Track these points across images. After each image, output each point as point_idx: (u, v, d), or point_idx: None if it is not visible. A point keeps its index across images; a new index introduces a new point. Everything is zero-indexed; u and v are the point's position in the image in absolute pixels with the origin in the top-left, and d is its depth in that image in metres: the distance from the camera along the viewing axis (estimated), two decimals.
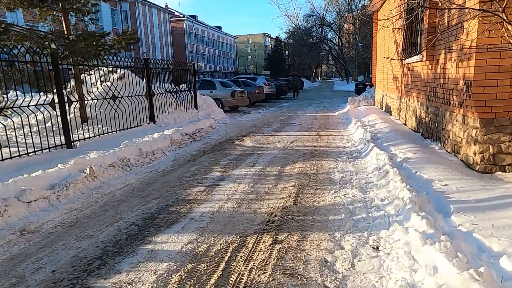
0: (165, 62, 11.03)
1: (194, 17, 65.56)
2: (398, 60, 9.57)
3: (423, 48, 6.64)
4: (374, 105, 15.15)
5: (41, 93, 8.27)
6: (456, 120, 5.14)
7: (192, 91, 12.67)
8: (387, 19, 6.74)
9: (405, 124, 8.72)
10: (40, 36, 6.95)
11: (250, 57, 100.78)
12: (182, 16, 59.81)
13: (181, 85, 12.61)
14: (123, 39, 8.50)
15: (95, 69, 9.27)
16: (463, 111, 4.87)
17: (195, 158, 6.67)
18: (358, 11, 41.29)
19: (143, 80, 11.23)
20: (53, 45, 6.29)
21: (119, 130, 8.57)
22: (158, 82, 11.61)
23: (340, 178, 4.91)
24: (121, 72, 10.41)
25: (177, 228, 3.44)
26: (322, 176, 5.09)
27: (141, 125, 9.40)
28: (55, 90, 6.71)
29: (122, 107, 8.98)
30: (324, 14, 53.21)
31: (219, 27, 79.22)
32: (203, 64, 67.59)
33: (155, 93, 10.23)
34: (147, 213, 3.92)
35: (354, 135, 8.53)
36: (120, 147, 6.54)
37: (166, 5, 57.89)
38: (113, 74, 10.20)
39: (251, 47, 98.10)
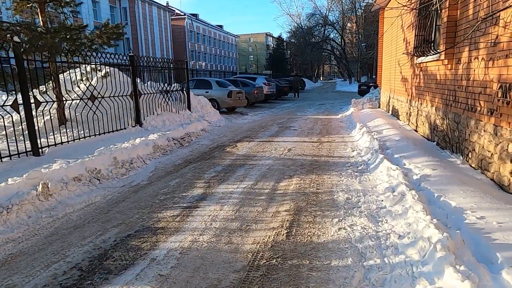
0: (155, 59, 10.19)
1: (195, 15, 64.73)
2: (408, 59, 8.71)
3: (441, 46, 5.77)
4: (379, 107, 14.28)
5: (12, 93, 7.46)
6: (485, 131, 4.28)
7: (185, 91, 11.85)
8: (400, 7, 5.87)
9: (415, 131, 7.86)
10: (2, 27, 6.11)
11: (252, 56, 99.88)
12: (182, 14, 58.99)
13: (174, 85, 11.81)
14: (104, 34, 7.66)
15: (76, 66, 8.46)
16: (495, 120, 4.00)
17: (178, 169, 5.82)
18: (362, 9, 40.42)
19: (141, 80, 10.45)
20: (16, 38, 5.47)
21: (99, 134, 7.74)
22: (150, 81, 10.79)
23: (345, 200, 4.06)
24: (106, 70, 9.59)
25: (130, 277, 2.59)
26: (323, 196, 4.24)
27: (125, 129, 8.57)
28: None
29: (106, 108, 8.16)
30: (327, 13, 52.38)
31: (221, 26, 78.39)
32: (203, 63, 66.76)
33: (142, 93, 9.39)
34: (100, 248, 3.08)
35: (359, 142, 7.68)
36: (93, 155, 5.71)
37: (167, 3, 57.15)
38: (96, 72, 9.37)
39: (252, 46, 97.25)
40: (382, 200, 3.88)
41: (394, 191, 3.95)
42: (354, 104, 14.82)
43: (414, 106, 8.05)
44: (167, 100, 10.53)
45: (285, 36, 73.52)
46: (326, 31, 53.39)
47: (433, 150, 5.76)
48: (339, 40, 51.77)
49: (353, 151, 6.84)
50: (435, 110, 6.38)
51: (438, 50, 6.02)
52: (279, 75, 51.04)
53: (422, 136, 7.19)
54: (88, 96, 7.55)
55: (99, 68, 9.15)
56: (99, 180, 5.15)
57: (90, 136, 7.55)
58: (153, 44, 50.44)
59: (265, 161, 6.18)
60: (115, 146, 6.48)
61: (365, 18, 39.09)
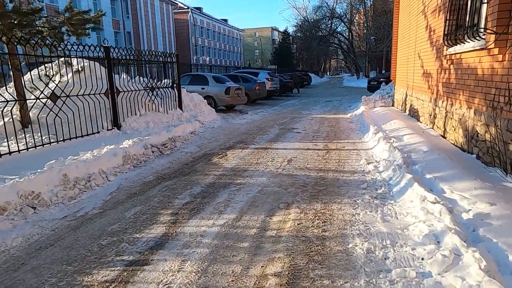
0: (138, 51, 8.89)
1: (198, 9, 63.31)
2: (433, 50, 7.31)
3: (488, 31, 4.39)
4: (393, 106, 12.86)
5: None
6: None
7: (175, 88, 10.56)
8: None
9: (443, 137, 6.49)
10: None
11: (257, 51, 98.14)
12: (186, 7, 57.63)
13: (165, 81, 10.53)
14: (68, 20, 6.38)
15: (47, 60, 7.22)
16: None
17: (146, 189, 4.55)
18: (371, 0, 38.66)
19: (120, 74, 9.18)
20: None
21: (63, 141, 6.50)
22: (138, 77, 9.53)
23: (364, 254, 2.74)
24: (81, 65, 8.33)
25: None
26: (331, 245, 2.93)
27: (98, 132, 7.32)
28: None
29: (75, 109, 6.93)
30: (334, 6, 50.57)
31: (225, 20, 76.86)
32: (207, 58, 65.38)
33: (121, 90, 8.13)
34: None
35: (375, 150, 6.34)
36: (38, 171, 4.47)
37: None
38: (72, 67, 8.10)
39: (258, 41, 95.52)
40: (422, 259, 2.56)
41: (439, 244, 2.63)
42: (364, 101, 13.41)
43: (441, 107, 6.67)
44: (152, 98, 9.26)
45: (291, 30, 71.88)
46: (333, 24, 51.66)
47: (476, 167, 4.40)
48: (347, 33, 50.02)
49: (368, 163, 5.51)
50: (474, 113, 5.01)
51: (482, 37, 4.64)
52: (285, 70, 49.50)
53: (454, 144, 5.83)
54: (48, 95, 6.30)
55: (70, 62, 7.90)
56: (34, 208, 3.89)
57: (52, 142, 6.32)
58: (155, 38, 49.18)
59: (257, 178, 4.87)
60: (74, 158, 5.24)
61: (374, 9, 37.34)
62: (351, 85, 37.84)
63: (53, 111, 6.30)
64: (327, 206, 3.79)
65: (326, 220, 3.42)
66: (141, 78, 9.49)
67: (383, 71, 33.03)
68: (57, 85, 6.32)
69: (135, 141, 6.52)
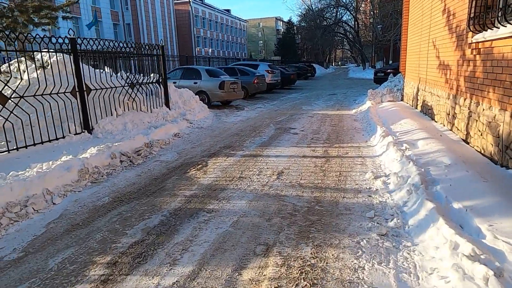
0: (116, 43, 7.87)
1: None
2: (452, 38, 6.21)
3: None
4: (402, 100, 11.73)
5: None
6: None
7: (161, 84, 9.56)
8: None
9: (465, 141, 5.43)
10: None
11: (261, 42, 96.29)
12: None
13: (150, 76, 9.53)
14: (17, 7, 5.38)
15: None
16: None
17: (92, 219, 3.59)
18: None
19: (100, 69, 8.21)
20: None
21: (20, 148, 5.55)
22: (120, 72, 8.56)
23: None
24: (46, 59, 7.35)
25: None
26: None
27: (63, 137, 6.36)
28: None
29: (44, 110, 6.00)
30: None
31: (228, 11, 75.24)
32: (210, 50, 64.09)
33: (92, 88, 7.14)
34: None
35: (384, 159, 5.30)
36: None
37: None
38: (35, 62, 7.11)
39: (262, 31, 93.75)
40: None
41: None
42: (371, 96, 12.29)
43: (463, 106, 5.58)
44: (133, 95, 8.27)
45: (295, 20, 70.05)
46: (338, 13, 49.99)
47: None
48: (352, 22, 48.37)
49: (375, 177, 4.49)
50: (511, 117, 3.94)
51: None
52: (288, 61, 48.12)
53: (481, 153, 4.76)
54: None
55: (32, 56, 6.91)
56: None
57: (5, 152, 5.38)
58: (155, 30, 48.05)
59: (235, 202, 3.88)
60: (17, 174, 4.29)
61: None
62: (357, 76, 36.49)
63: (1, 115, 5.34)
64: (319, 252, 2.79)
65: (315, 281, 2.42)
66: (124, 74, 8.53)
67: (391, 62, 31.64)
68: (6, 84, 5.33)
69: (101, 148, 5.56)
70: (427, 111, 8.12)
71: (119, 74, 8.62)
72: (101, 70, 8.15)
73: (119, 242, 3.05)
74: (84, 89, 6.88)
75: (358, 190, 4.16)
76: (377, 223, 3.24)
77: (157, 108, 9.17)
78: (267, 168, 5.13)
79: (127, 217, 3.59)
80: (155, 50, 9.35)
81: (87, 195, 4.28)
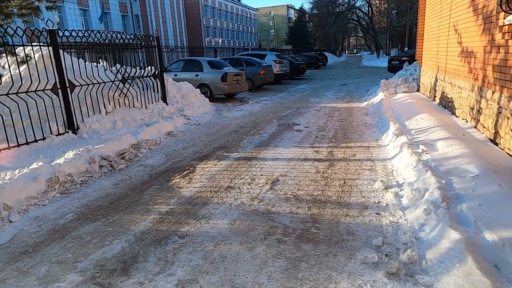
0: (102, 34, 7.25)
1: None
2: (478, 21, 5.37)
3: None
4: (418, 91, 10.84)
5: None
6: None
7: (157, 78, 8.96)
8: None
9: (493, 142, 4.65)
10: None
11: (272, 31, 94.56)
12: None
13: (147, 69, 8.94)
14: None
15: None
16: None
17: (44, 245, 3.01)
18: None
19: (93, 62, 7.66)
20: None
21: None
22: (117, 65, 8.00)
23: None
24: (25, 53, 6.81)
25: None
26: None
27: (43, 139, 5.83)
28: None
29: (27, 108, 5.50)
30: None
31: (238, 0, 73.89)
32: (220, 40, 63.16)
33: (77, 84, 6.59)
34: None
35: (396, 163, 4.58)
36: None
37: None
38: (15, 56, 6.59)
39: (273, 20, 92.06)
40: None
41: None
42: (384, 86, 11.44)
43: (491, 100, 4.79)
44: (124, 90, 7.70)
45: (307, 7, 68.39)
46: None
47: None
48: (366, 8, 46.67)
49: (386, 188, 3.80)
50: None
51: None
52: (300, 50, 46.86)
53: None
54: None
55: (14, 51, 6.38)
56: None
57: None
58: (164, 20, 47.43)
59: (216, 222, 3.25)
60: None
61: None
62: (370, 64, 35.17)
63: None
64: None
65: None
66: (115, 68, 7.97)
67: (406, 49, 30.27)
68: None
69: (78, 152, 5.01)
70: (447, 104, 7.29)
71: (113, 68, 8.07)
72: (95, 64, 7.60)
73: (62, 281, 2.48)
74: (67, 85, 6.33)
75: (364, 205, 3.48)
76: (386, 255, 2.57)
77: (152, 103, 8.59)
78: (261, 175, 4.48)
79: (85, 242, 3.02)
80: (149, 42, 8.73)
81: (51, 211, 3.73)
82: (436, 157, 4.21)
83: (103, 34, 7.22)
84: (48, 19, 6.10)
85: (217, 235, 3.00)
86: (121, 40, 7.86)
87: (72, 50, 7.69)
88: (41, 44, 6.09)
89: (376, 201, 3.55)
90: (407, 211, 3.23)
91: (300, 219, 3.25)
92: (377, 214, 3.27)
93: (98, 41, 7.23)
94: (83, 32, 6.82)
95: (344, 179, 4.25)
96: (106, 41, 7.37)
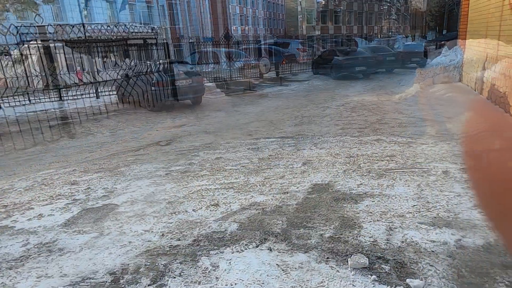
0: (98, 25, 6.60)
1: None
2: None
3: None
4: (459, 81, 9.47)
5: None
6: None
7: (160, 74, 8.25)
8: None
9: None
10: None
11: (301, 16, 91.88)
12: None
13: (149, 63, 8.27)
14: None
15: None
16: None
17: None
18: None
19: (97, 58, 7.13)
20: None
21: None
22: (133, 60, 7.42)
23: None
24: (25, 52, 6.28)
25: None
26: None
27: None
28: None
29: None
30: None
31: None
32: (247, 28, 61.95)
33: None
34: None
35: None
36: None
37: None
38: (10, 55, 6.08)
39: (300, 5, 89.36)
40: None
41: None
42: (420, 76, 10.14)
43: None
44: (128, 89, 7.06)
45: None
46: None
47: None
48: None
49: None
50: None
51: None
52: (327, 37, 44.84)
53: None
54: None
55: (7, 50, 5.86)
56: None
57: None
58: (189, 10, 46.92)
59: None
60: None
61: None
62: (405, 50, 32.80)
63: None
64: None
65: None
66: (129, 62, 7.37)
67: (445, 31, 27.90)
68: None
69: None
70: (498, 100, 6.05)
71: (124, 62, 7.47)
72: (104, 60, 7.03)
73: None
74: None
75: None
76: None
77: None
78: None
79: None
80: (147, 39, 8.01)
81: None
82: None
83: (102, 26, 6.58)
84: (36, 15, 5.50)
85: None
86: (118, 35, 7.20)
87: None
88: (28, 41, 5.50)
89: None
90: None
91: None
92: None
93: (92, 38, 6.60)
94: (78, 27, 6.18)
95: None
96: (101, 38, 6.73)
